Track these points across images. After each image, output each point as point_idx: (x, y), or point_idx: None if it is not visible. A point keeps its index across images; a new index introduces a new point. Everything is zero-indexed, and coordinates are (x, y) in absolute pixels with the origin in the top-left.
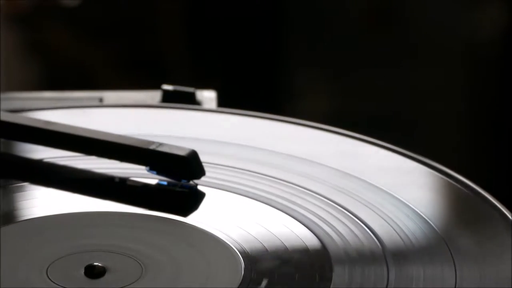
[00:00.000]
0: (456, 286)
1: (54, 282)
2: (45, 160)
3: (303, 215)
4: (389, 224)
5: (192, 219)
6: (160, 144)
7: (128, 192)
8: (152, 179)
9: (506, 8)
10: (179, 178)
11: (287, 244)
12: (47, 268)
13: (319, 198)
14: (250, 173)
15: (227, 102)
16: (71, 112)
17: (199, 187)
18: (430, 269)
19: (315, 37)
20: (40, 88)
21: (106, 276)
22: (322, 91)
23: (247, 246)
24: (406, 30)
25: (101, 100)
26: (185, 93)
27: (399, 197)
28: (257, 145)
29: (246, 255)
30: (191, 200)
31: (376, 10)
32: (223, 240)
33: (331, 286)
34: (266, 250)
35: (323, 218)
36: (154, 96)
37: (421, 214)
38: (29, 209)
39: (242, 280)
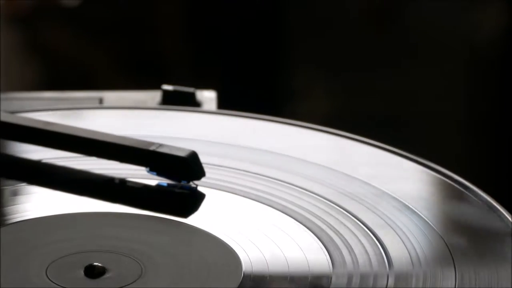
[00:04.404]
0: (456, 286)
1: (54, 282)
2: (45, 160)
3: (302, 215)
4: (388, 224)
5: (192, 220)
6: (160, 145)
7: (128, 193)
8: (152, 180)
9: (506, 8)
10: (179, 179)
11: (287, 244)
12: (47, 268)
13: (318, 199)
14: (250, 174)
15: (227, 102)
16: (71, 113)
17: (199, 188)
18: (430, 269)
19: (315, 37)
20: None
21: (106, 276)
22: (322, 91)
23: (247, 247)
24: (406, 30)
25: (101, 100)
26: (185, 93)
27: (398, 197)
28: (257, 146)
29: (246, 255)
30: (191, 201)
31: (376, 10)
32: (223, 240)
33: (331, 287)
34: (266, 250)
35: (322, 218)
36: (154, 96)
37: (420, 214)
38: (29, 209)
39: (242, 280)
